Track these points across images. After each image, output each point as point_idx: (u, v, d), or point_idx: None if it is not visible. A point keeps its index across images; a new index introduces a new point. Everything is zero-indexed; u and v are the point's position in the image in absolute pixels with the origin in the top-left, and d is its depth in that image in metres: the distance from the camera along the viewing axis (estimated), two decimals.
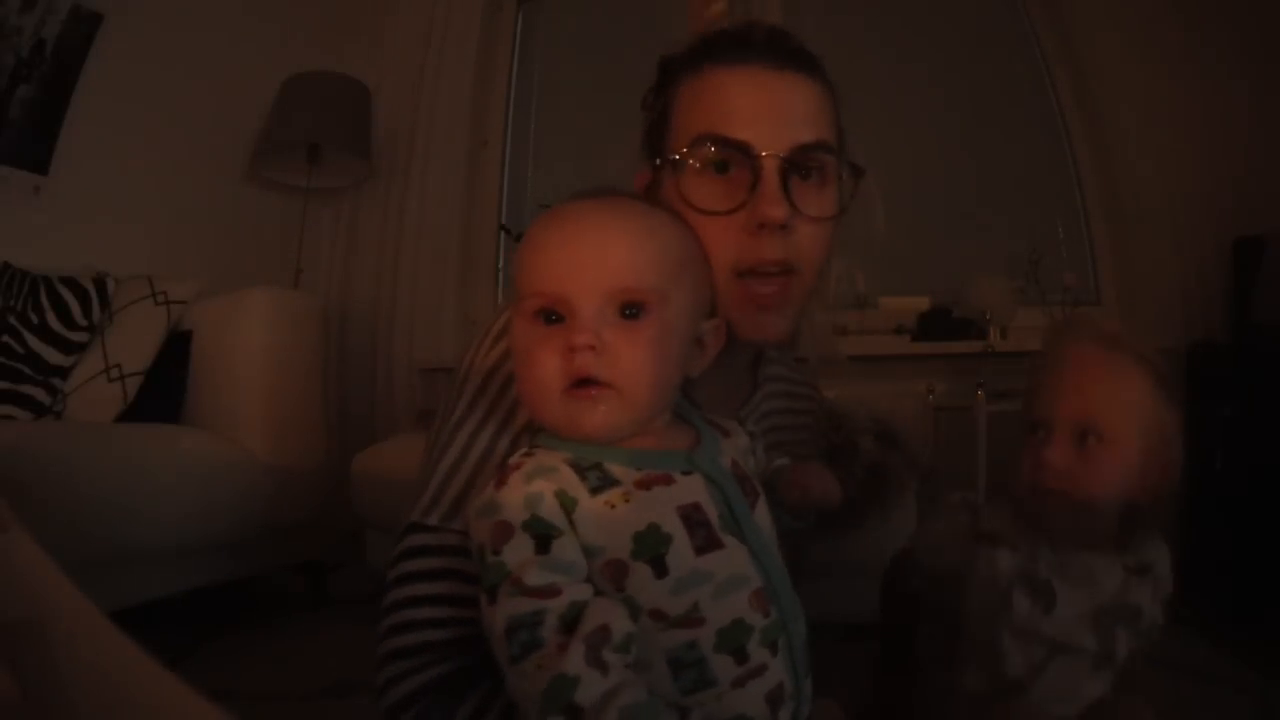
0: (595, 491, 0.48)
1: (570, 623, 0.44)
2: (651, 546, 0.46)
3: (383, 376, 2.41)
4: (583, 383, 0.49)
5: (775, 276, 0.60)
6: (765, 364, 0.78)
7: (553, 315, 0.50)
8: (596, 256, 0.51)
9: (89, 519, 1.30)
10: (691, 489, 0.50)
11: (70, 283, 1.78)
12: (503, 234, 2.47)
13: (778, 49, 0.62)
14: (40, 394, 1.69)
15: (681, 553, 0.47)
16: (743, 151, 0.59)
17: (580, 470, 0.49)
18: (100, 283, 1.81)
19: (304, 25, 2.48)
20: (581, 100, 2.60)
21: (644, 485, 0.49)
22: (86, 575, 0.52)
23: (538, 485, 0.47)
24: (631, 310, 0.50)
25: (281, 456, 1.73)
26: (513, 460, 0.51)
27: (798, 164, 0.60)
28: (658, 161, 0.64)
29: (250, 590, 1.80)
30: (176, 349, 1.81)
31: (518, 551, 0.46)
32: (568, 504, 0.47)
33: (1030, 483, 0.70)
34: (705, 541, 0.48)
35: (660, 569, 0.46)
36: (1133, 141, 2.11)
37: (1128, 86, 2.11)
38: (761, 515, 0.53)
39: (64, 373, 1.73)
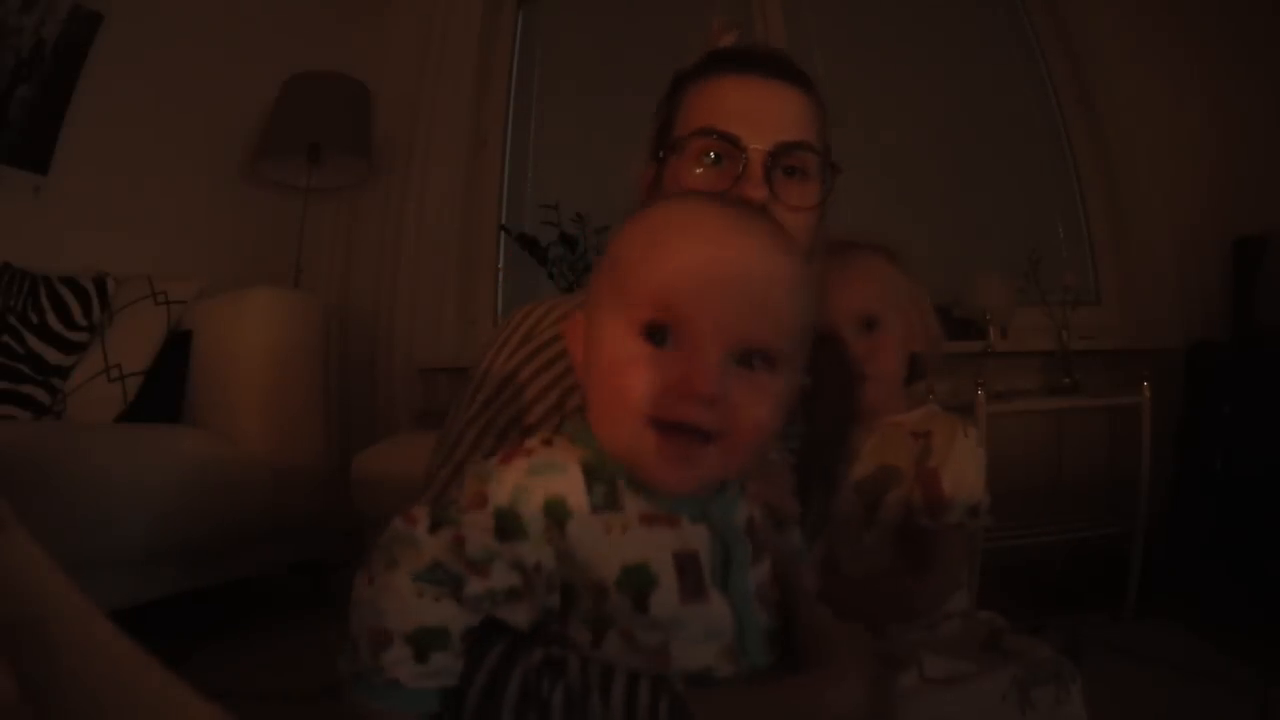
0: (596, 510, 0.45)
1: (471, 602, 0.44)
2: (637, 583, 0.44)
3: (383, 376, 2.41)
4: (681, 428, 0.44)
5: None
6: None
7: (660, 333, 0.45)
8: (743, 288, 0.44)
9: (89, 519, 1.30)
10: (694, 538, 0.47)
11: (70, 283, 1.78)
12: (502, 234, 2.47)
13: (774, 64, 0.69)
14: (40, 394, 1.69)
15: (667, 598, 0.45)
16: (732, 142, 0.65)
17: (590, 478, 0.46)
18: (100, 283, 1.81)
19: (304, 25, 2.48)
20: (581, 100, 2.60)
21: (647, 522, 0.46)
22: (86, 575, 0.52)
23: (534, 481, 0.45)
24: (758, 361, 0.45)
25: (281, 456, 1.73)
26: (531, 442, 0.48)
27: (782, 159, 0.65)
28: (661, 155, 0.70)
29: (250, 590, 1.80)
30: (176, 349, 1.82)
31: (478, 524, 0.44)
32: (559, 514, 0.45)
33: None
34: (693, 592, 0.46)
35: (642, 606, 0.44)
36: (1133, 141, 2.11)
37: (1128, 86, 2.11)
38: (759, 572, 0.50)
39: (64, 373, 1.73)
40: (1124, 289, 2.16)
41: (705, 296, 0.44)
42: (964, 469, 0.79)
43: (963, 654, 0.72)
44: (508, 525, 0.44)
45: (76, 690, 0.40)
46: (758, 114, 0.66)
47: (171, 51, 2.18)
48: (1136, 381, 1.71)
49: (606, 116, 2.44)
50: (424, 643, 0.43)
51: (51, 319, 1.73)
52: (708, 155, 0.66)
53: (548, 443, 0.48)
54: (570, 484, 0.45)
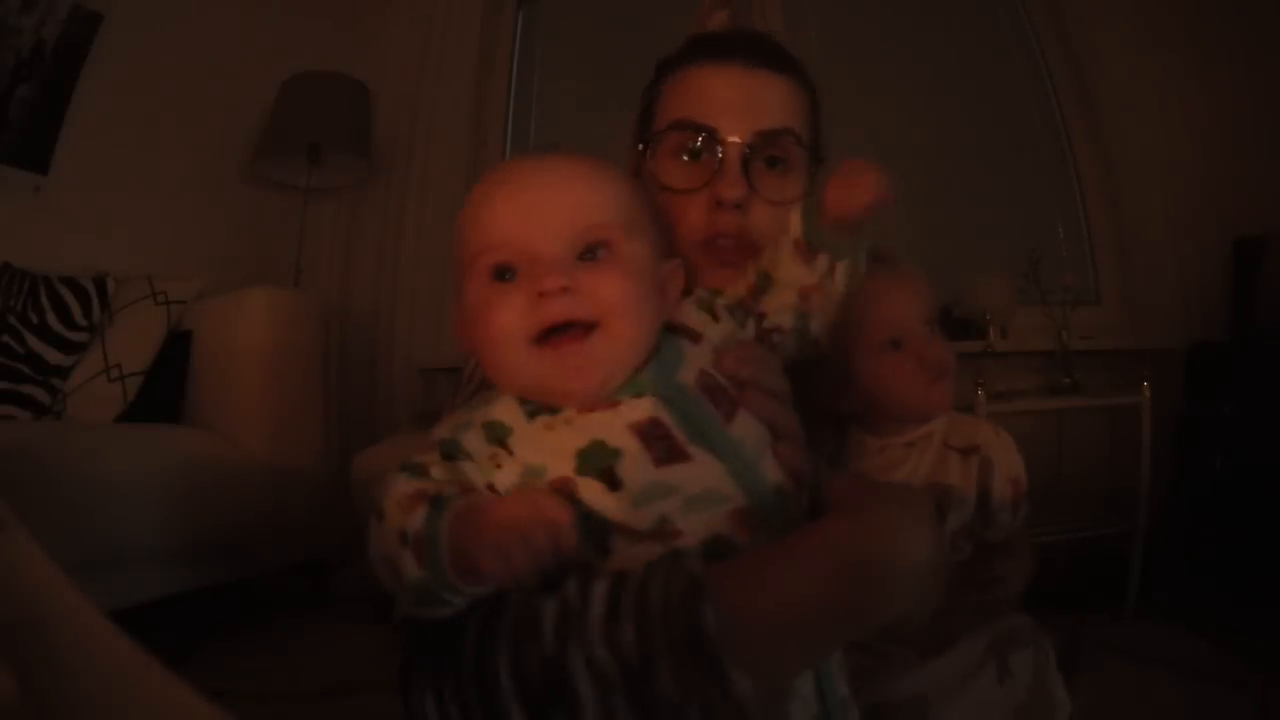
0: (532, 416, 0.47)
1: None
2: (596, 461, 0.44)
3: (383, 376, 2.41)
4: (556, 332, 0.46)
5: (735, 249, 0.63)
6: None
7: (507, 272, 0.48)
8: (553, 200, 0.49)
9: (89, 519, 1.30)
10: (644, 408, 0.46)
11: (70, 283, 1.78)
12: None
13: (756, 50, 0.66)
14: (40, 394, 1.69)
15: (638, 465, 0.44)
16: (709, 135, 0.63)
17: (521, 402, 0.48)
18: (100, 283, 1.81)
19: (304, 25, 2.48)
20: (581, 100, 2.59)
21: (587, 411, 0.47)
22: (86, 575, 0.52)
23: (470, 415, 0.48)
24: (595, 251, 0.48)
25: (281, 456, 1.73)
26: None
27: (762, 150, 0.63)
28: (640, 147, 0.68)
29: (250, 590, 1.80)
30: (176, 349, 1.82)
31: (429, 460, 0.46)
32: (500, 432, 0.47)
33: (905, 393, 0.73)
34: (667, 454, 0.45)
35: (612, 482, 0.44)
36: (1133, 141, 2.11)
37: (1128, 86, 2.11)
38: (743, 426, 0.48)
39: (64, 373, 1.73)
40: (1124, 289, 2.16)
41: (526, 221, 0.48)
42: (1018, 464, 0.76)
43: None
44: (450, 450, 0.47)
45: (76, 690, 0.40)
46: (737, 104, 0.64)
47: (171, 51, 2.18)
48: (1136, 381, 1.71)
49: (606, 116, 2.43)
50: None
51: (51, 319, 1.74)
52: (683, 149, 0.64)
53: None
54: (503, 407, 0.48)
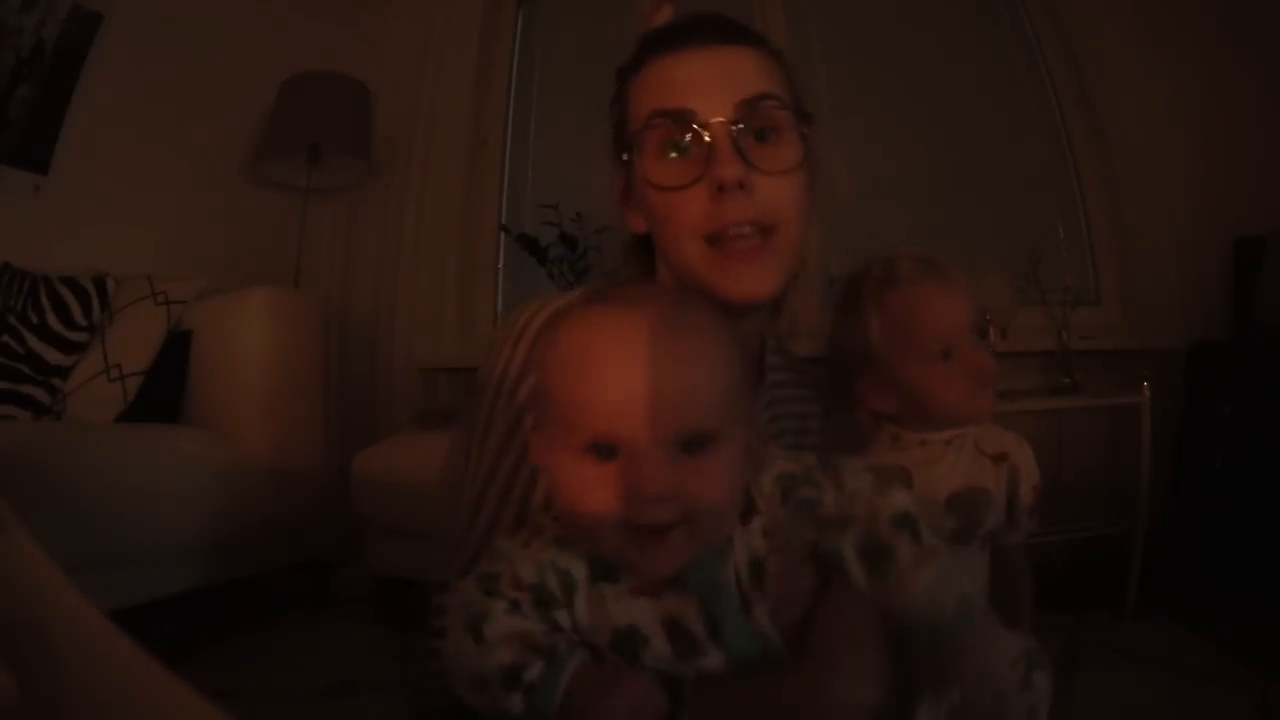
0: (594, 582, 0.51)
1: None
2: (628, 646, 0.49)
3: (383, 376, 2.41)
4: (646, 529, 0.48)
5: (750, 237, 0.60)
6: (768, 354, 0.76)
7: (606, 451, 0.47)
8: (665, 388, 0.47)
9: (89, 519, 1.30)
10: (678, 605, 0.50)
11: (70, 283, 1.78)
12: (502, 234, 2.47)
13: (712, 29, 0.62)
14: (40, 394, 1.69)
15: (659, 656, 0.49)
16: (687, 119, 0.59)
17: (591, 557, 0.52)
18: (100, 283, 1.81)
19: (304, 25, 2.48)
20: (581, 100, 2.59)
21: (635, 593, 0.50)
22: (86, 575, 0.52)
23: (551, 556, 0.52)
24: (700, 444, 0.47)
25: (281, 457, 1.73)
26: (543, 521, 0.55)
27: (749, 123, 0.60)
28: (624, 157, 0.65)
29: (250, 590, 1.80)
30: (176, 349, 1.82)
31: (520, 600, 0.51)
32: (570, 585, 0.51)
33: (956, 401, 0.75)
34: (687, 650, 0.49)
35: (634, 663, 0.49)
36: (1133, 141, 2.11)
37: (1128, 86, 2.11)
38: (759, 618, 0.50)
39: (64, 373, 1.73)
40: (1124, 289, 2.16)
41: (633, 403, 0.46)
42: (1037, 473, 0.80)
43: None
44: (545, 599, 0.51)
45: (76, 690, 0.40)
46: (708, 81, 0.60)
47: (171, 51, 2.18)
48: (1136, 381, 1.71)
49: (607, 116, 2.43)
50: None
51: (51, 319, 1.73)
52: (669, 144, 0.61)
53: (556, 519, 0.54)
54: (573, 560, 0.51)
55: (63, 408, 1.72)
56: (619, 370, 0.47)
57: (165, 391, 1.78)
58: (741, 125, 0.59)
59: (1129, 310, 2.13)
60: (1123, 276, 2.17)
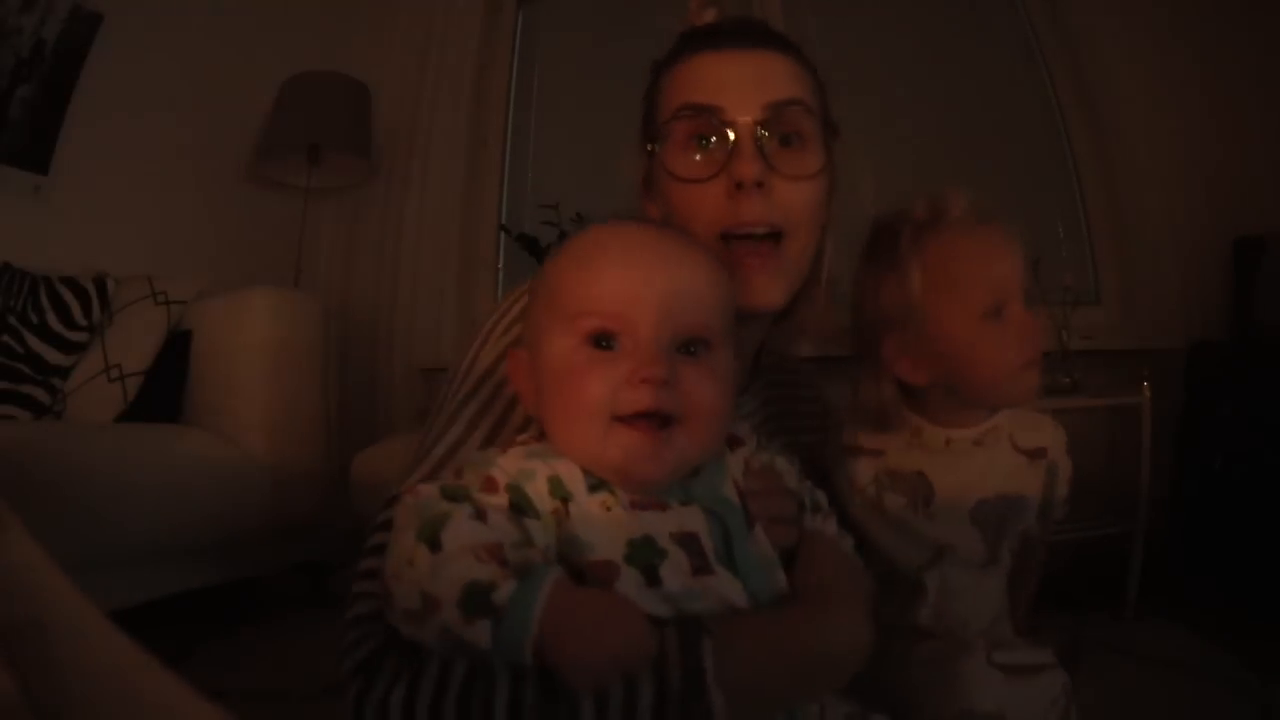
0: (592, 490, 0.48)
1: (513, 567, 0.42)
2: (645, 555, 0.46)
3: (383, 376, 2.41)
4: (642, 418, 0.46)
5: (763, 241, 0.60)
6: (764, 356, 0.76)
7: (606, 340, 0.48)
8: (672, 287, 0.49)
9: (89, 519, 1.30)
10: (688, 519, 0.48)
11: (70, 283, 1.78)
12: (502, 234, 2.47)
13: (751, 32, 0.63)
14: (40, 394, 1.69)
15: (679, 570, 0.46)
16: (715, 115, 0.60)
17: (584, 470, 0.49)
18: (100, 283, 1.81)
19: (304, 25, 2.48)
20: (581, 100, 2.59)
21: (638, 507, 0.48)
22: (86, 575, 0.52)
23: (535, 464, 0.48)
24: (696, 347, 0.49)
25: (281, 457, 1.73)
26: (523, 436, 0.52)
27: (775, 126, 0.60)
28: (650, 148, 0.66)
29: (250, 590, 1.80)
30: (176, 349, 1.81)
31: (493, 504, 0.46)
32: (561, 493, 0.47)
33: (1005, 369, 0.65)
34: (701, 566, 0.47)
35: (653, 579, 0.45)
36: (1133, 142, 2.11)
37: (1128, 86, 2.11)
38: (760, 539, 0.51)
39: (64, 373, 1.73)
40: (1124, 289, 2.16)
41: (641, 296, 0.48)
42: (1069, 464, 0.72)
43: (1021, 645, 0.69)
44: (522, 503, 0.46)
45: (76, 690, 0.40)
46: (740, 82, 0.61)
47: (171, 52, 2.18)
48: (1136, 381, 1.71)
49: (607, 116, 2.43)
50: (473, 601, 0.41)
51: (51, 319, 1.73)
52: (694, 139, 0.62)
53: (538, 438, 0.51)
54: (566, 466, 0.48)
55: (63, 408, 1.72)
56: (627, 265, 0.49)
57: (165, 391, 1.78)
58: (767, 128, 0.60)
59: (1129, 310, 2.13)
60: (1123, 276, 2.17)
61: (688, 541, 0.47)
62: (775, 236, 0.61)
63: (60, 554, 0.51)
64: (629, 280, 0.48)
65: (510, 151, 2.61)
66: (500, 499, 0.46)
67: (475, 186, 2.54)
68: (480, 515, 0.44)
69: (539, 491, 0.47)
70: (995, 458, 0.68)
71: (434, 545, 0.41)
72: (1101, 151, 2.19)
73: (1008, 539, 0.70)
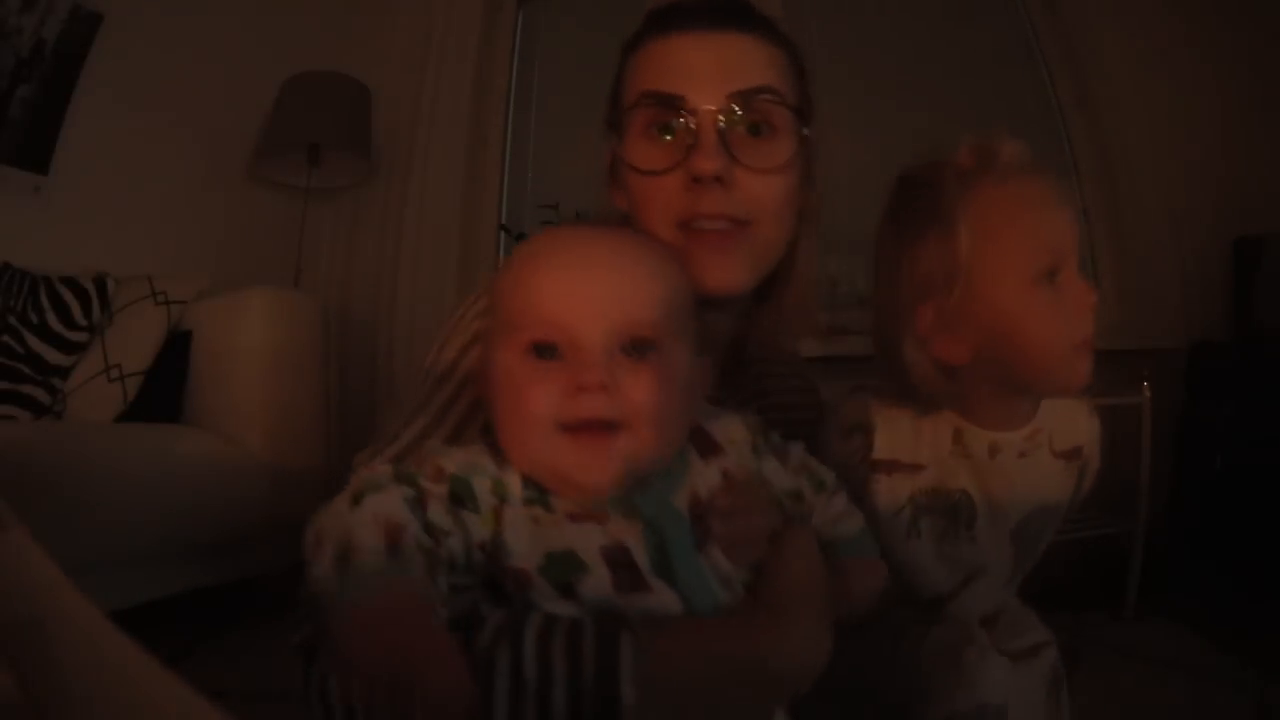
0: (528, 502, 0.47)
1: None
2: (561, 570, 0.45)
3: (383, 376, 2.41)
4: (587, 427, 0.46)
5: (723, 227, 0.58)
6: (750, 345, 0.74)
7: (547, 350, 0.47)
8: (607, 290, 0.48)
9: (89, 519, 1.30)
10: (623, 531, 0.47)
11: (70, 283, 1.78)
12: (502, 234, 2.47)
13: (718, 12, 0.60)
14: (40, 394, 1.69)
15: (598, 585, 0.45)
16: (676, 104, 0.57)
17: (524, 481, 0.48)
18: (100, 283, 1.81)
19: (304, 25, 2.48)
20: (581, 100, 2.59)
21: (574, 519, 0.47)
22: (86, 575, 0.52)
23: (485, 461, 0.48)
24: (640, 349, 0.48)
25: (281, 456, 1.72)
26: (481, 438, 0.52)
27: (741, 116, 0.57)
28: (612, 136, 0.63)
29: (250, 590, 1.80)
30: (176, 349, 1.81)
31: (435, 493, 0.45)
32: (502, 494, 0.47)
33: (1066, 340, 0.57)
34: (630, 584, 0.45)
35: (567, 592, 0.44)
36: (1132, 142, 2.11)
37: (1127, 86, 2.11)
38: (715, 555, 0.49)
39: (64, 373, 1.73)
40: (1124, 290, 2.16)
41: (577, 303, 0.47)
42: (1098, 457, 0.67)
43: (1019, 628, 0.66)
44: (463, 494, 0.46)
45: (76, 690, 0.40)
46: (705, 68, 0.57)
47: (171, 51, 2.18)
48: (1136, 381, 1.71)
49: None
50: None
51: (51, 319, 1.73)
52: (655, 127, 0.59)
53: (493, 446, 0.50)
54: (510, 474, 0.48)
55: (63, 408, 1.72)
56: (561, 272, 0.49)
57: (165, 391, 1.78)
58: (732, 117, 0.57)
59: (1129, 310, 2.13)
60: (1123, 277, 2.17)
61: (617, 555, 0.46)
62: (739, 223, 0.59)
63: (60, 554, 0.50)
64: (564, 288, 0.48)
65: (510, 151, 2.61)
66: (440, 488, 0.46)
67: (475, 186, 2.54)
68: (420, 500, 0.44)
69: (483, 487, 0.47)
70: (1038, 467, 0.63)
71: (356, 501, 0.43)
72: (1101, 151, 2.19)
73: (1035, 555, 0.66)
